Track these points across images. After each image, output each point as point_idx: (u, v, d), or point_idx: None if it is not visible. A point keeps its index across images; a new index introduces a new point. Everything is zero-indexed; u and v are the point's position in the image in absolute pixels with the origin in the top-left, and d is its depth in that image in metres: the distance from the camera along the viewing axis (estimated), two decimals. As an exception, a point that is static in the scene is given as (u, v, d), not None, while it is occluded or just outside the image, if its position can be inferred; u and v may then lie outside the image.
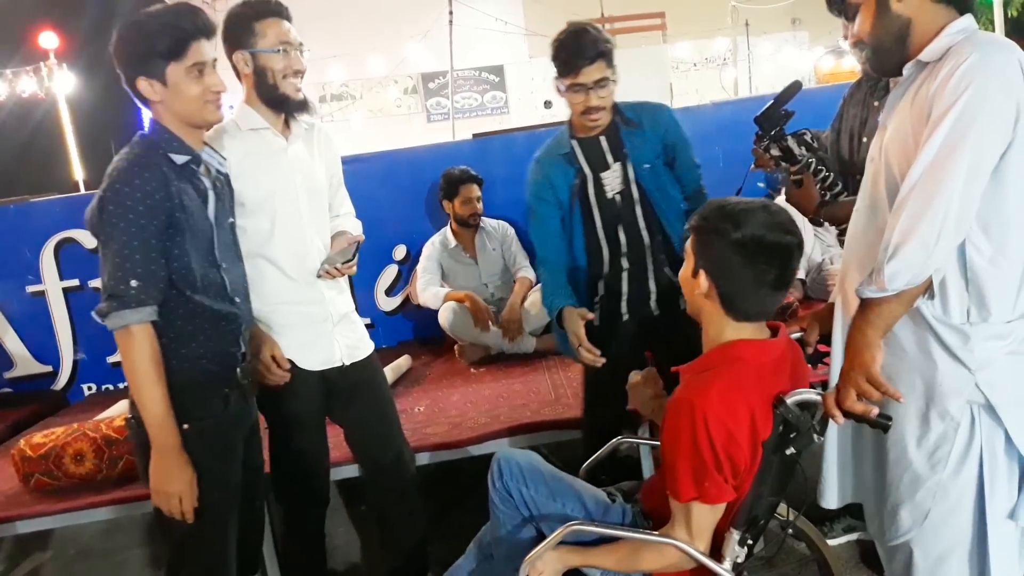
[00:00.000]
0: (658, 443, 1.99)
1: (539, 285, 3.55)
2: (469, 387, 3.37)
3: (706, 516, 1.62)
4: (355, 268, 2.32)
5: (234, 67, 2.21)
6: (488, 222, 3.98)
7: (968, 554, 1.65)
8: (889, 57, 1.67)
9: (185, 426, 1.83)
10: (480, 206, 3.88)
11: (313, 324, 2.29)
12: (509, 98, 14.13)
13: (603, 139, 2.49)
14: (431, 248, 3.95)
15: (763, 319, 1.70)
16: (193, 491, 1.83)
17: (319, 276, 2.28)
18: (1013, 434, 1.58)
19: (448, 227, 3.97)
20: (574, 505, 1.90)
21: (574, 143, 2.51)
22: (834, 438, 1.85)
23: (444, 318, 3.70)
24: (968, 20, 1.61)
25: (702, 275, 1.66)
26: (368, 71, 13.20)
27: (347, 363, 2.34)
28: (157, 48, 1.82)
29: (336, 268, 2.28)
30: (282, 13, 2.18)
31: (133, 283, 1.76)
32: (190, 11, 1.86)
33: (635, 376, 2.08)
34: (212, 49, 1.89)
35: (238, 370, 1.99)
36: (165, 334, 1.83)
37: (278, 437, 2.36)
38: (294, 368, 2.25)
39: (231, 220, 2.04)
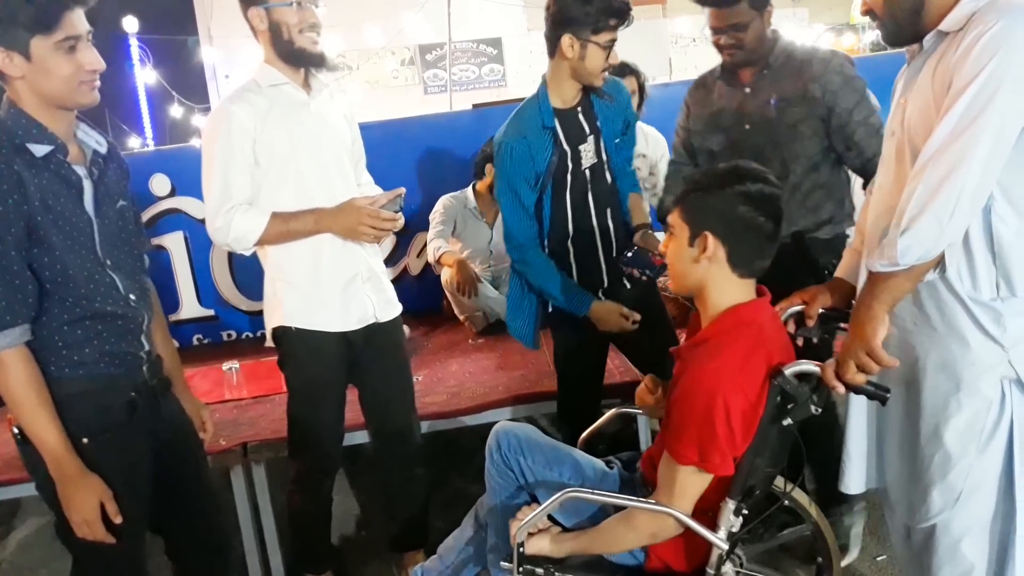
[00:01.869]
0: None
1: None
2: (467, 357, 3.39)
3: (695, 483, 1.65)
4: (402, 221, 2.31)
5: (251, 26, 2.21)
6: None
7: (990, 530, 1.63)
8: (903, 29, 1.62)
9: (85, 440, 1.66)
10: None
11: (344, 282, 2.29)
12: (507, 71, 14.00)
13: (579, 111, 2.43)
14: (449, 201, 3.92)
15: (759, 275, 1.73)
16: (99, 514, 1.65)
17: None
18: None
19: (471, 188, 3.95)
20: (572, 474, 1.92)
21: (555, 117, 2.41)
22: (859, 424, 1.84)
23: (444, 278, 3.76)
24: None
25: (708, 237, 1.67)
26: (365, 42, 13.06)
27: (380, 320, 2.36)
28: (19, 18, 1.54)
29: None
30: None
31: None
32: None
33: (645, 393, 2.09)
34: (85, 20, 1.62)
35: (144, 369, 1.80)
36: (50, 345, 1.64)
37: (298, 401, 2.37)
38: (321, 334, 2.27)
39: (120, 203, 1.77)
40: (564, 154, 2.41)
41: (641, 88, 3.50)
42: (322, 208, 2.22)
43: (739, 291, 1.72)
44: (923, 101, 1.57)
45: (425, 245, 4.02)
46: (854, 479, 1.86)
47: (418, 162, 4.16)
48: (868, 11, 1.66)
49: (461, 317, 3.84)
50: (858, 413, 1.83)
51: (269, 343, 2.40)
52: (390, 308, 2.41)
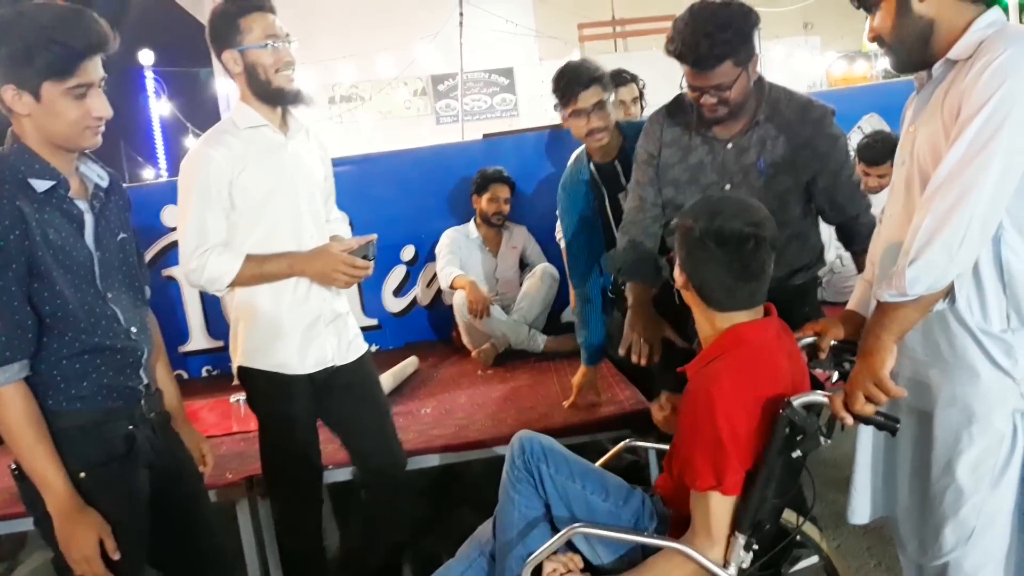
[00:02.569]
0: (665, 447, 1.99)
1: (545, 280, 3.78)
2: (477, 389, 3.36)
3: (725, 508, 1.62)
4: (371, 270, 2.29)
5: (226, 68, 2.21)
6: (511, 224, 4.07)
7: (1004, 567, 1.61)
8: (911, 57, 1.62)
9: (82, 474, 1.64)
10: (507, 208, 3.96)
11: (305, 325, 2.28)
12: (519, 100, 14.10)
13: (617, 164, 2.75)
14: (452, 234, 4.00)
15: (746, 308, 1.71)
16: (98, 551, 1.62)
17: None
18: None
19: (473, 221, 4.03)
20: (595, 487, 1.88)
21: (592, 169, 2.81)
22: (867, 453, 1.81)
23: (456, 302, 3.78)
24: (996, 13, 1.55)
25: (677, 270, 1.72)
26: (377, 72, 13.21)
27: (338, 364, 2.34)
28: (36, 61, 1.54)
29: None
30: (264, 6, 2.16)
31: None
32: (85, 23, 1.59)
33: (656, 410, 2.07)
34: (101, 67, 1.63)
35: (142, 403, 1.78)
36: (48, 379, 1.63)
37: (269, 439, 2.37)
38: (282, 376, 2.27)
39: (121, 236, 1.78)
40: (604, 200, 2.81)
41: (641, 95, 3.58)
42: (296, 252, 2.23)
43: (726, 318, 1.71)
44: (932, 129, 1.55)
45: (435, 276, 4.03)
46: (860, 509, 1.84)
47: (428, 192, 4.18)
48: (876, 37, 1.65)
49: (472, 350, 3.82)
50: (865, 444, 1.81)
51: (235, 382, 2.39)
52: (351, 351, 2.39)
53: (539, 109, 13.55)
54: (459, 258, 3.93)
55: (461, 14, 10.22)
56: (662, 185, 2.41)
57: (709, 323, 1.73)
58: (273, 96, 2.20)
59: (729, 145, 2.27)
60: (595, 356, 2.91)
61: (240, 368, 2.32)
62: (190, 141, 15.25)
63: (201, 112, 14.15)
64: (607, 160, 2.78)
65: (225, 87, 13.35)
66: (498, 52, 13.25)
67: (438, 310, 4.22)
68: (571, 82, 2.62)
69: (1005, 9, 5.49)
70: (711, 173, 2.30)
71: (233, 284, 2.20)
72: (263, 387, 2.30)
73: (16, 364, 1.57)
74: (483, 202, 3.95)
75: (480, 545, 2.01)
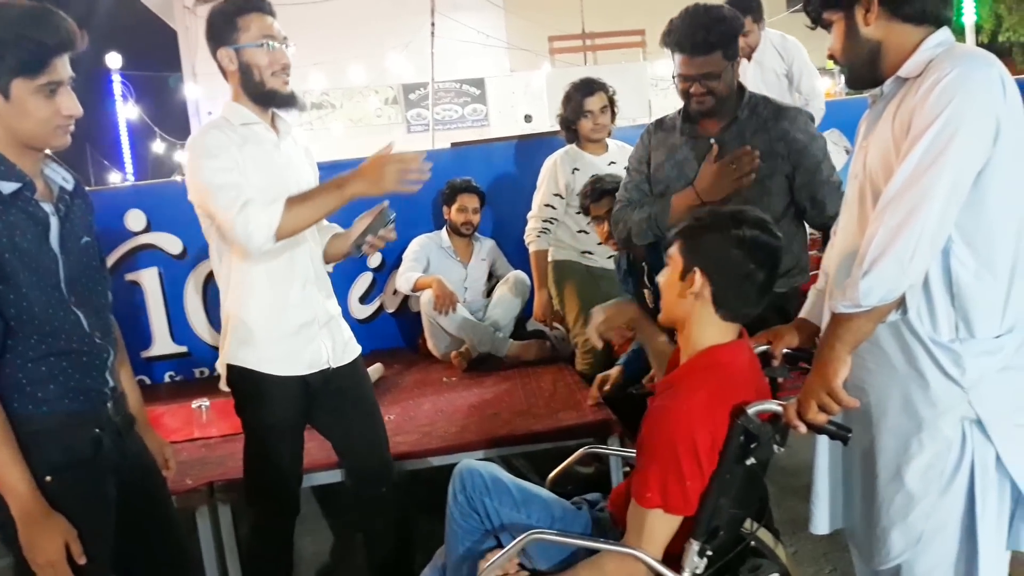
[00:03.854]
0: (629, 452, 2.01)
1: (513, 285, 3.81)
2: (441, 397, 3.36)
3: (663, 526, 1.63)
4: (395, 233, 2.29)
5: (220, 66, 2.20)
6: (481, 237, 4.12)
7: (954, 572, 1.63)
8: (863, 75, 1.70)
9: (48, 478, 1.61)
10: (476, 219, 4.00)
11: (300, 327, 2.25)
12: (490, 111, 14.14)
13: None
14: (423, 240, 4.04)
15: (744, 321, 1.75)
16: (63, 556, 1.59)
17: (361, 252, 2.27)
18: (1002, 451, 1.58)
19: (444, 229, 4.07)
20: (540, 515, 1.89)
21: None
22: (825, 463, 1.84)
23: (423, 300, 3.80)
24: (945, 33, 1.61)
25: (697, 274, 1.70)
26: (349, 80, 13.18)
27: (333, 366, 2.31)
28: (6, 59, 1.53)
29: (378, 237, 2.25)
30: (264, 8, 2.16)
31: None
32: (54, 21, 1.58)
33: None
34: (69, 66, 1.62)
35: (108, 406, 1.76)
36: (13, 382, 1.61)
37: (255, 443, 2.32)
38: (273, 377, 2.22)
39: (85, 240, 1.75)
40: None
41: (611, 102, 3.62)
42: (342, 176, 2.12)
43: (720, 332, 1.73)
44: (883, 145, 1.61)
45: (403, 283, 4.03)
46: (821, 519, 1.86)
47: (394, 199, 4.16)
48: (831, 55, 1.73)
49: (438, 355, 3.83)
50: (823, 453, 1.83)
51: (223, 386, 2.33)
52: (347, 352, 2.37)
53: (510, 119, 13.62)
54: (427, 264, 3.96)
55: (433, 24, 10.23)
56: (653, 185, 2.57)
57: (701, 334, 1.73)
58: (266, 97, 2.19)
59: (712, 141, 2.41)
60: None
61: (229, 367, 2.26)
62: (157, 145, 15.08)
63: (170, 117, 14.03)
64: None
65: (195, 92, 13.23)
66: (469, 63, 13.28)
67: (405, 317, 4.22)
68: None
69: (961, 29, 5.62)
70: (697, 167, 2.43)
71: (283, 231, 2.06)
72: (252, 388, 2.24)
73: None
74: (452, 212, 3.99)
75: (439, 569, 2.03)
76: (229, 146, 2.12)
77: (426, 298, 3.78)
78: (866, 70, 1.67)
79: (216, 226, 2.14)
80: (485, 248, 4.12)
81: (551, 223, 3.62)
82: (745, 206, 1.80)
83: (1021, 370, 1.61)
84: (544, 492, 1.97)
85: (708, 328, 1.73)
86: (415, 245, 3.98)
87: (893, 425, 1.65)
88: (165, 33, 14.37)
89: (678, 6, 2.38)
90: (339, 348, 2.34)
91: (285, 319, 2.23)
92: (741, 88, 2.46)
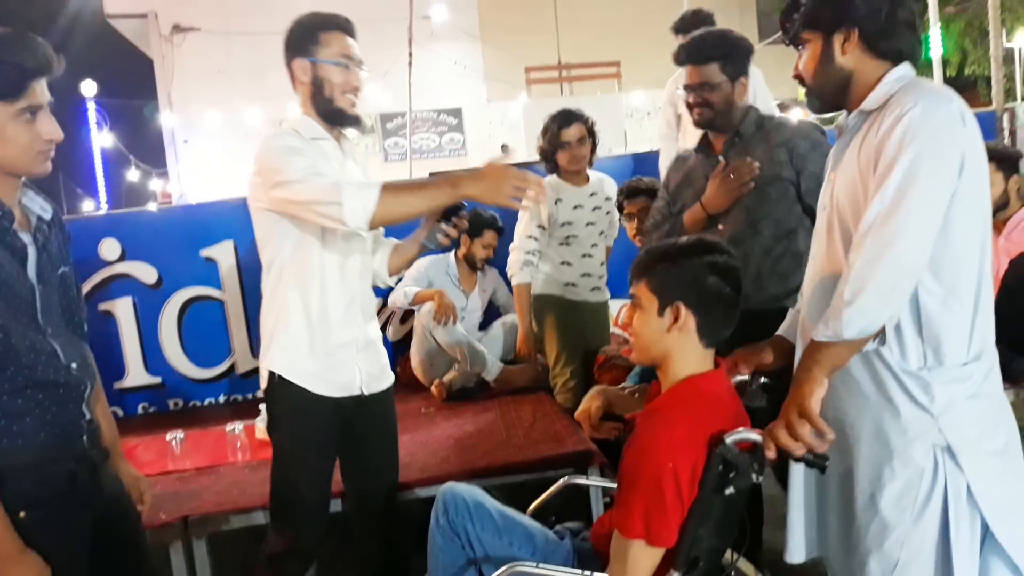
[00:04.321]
0: (610, 484, 2.01)
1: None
2: (420, 427, 3.34)
3: (646, 558, 1.63)
4: (466, 222, 2.34)
5: (291, 75, 2.21)
6: (487, 267, 4.12)
7: None
8: (829, 102, 1.75)
9: (22, 514, 1.56)
10: (492, 255, 4.01)
11: (338, 347, 2.22)
12: (467, 140, 14.21)
13: None
14: (428, 261, 3.96)
15: (721, 346, 1.76)
16: None
17: (437, 244, 2.30)
18: (971, 479, 1.60)
19: (452, 255, 4.03)
20: (522, 543, 1.89)
21: None
22: (800, 492, 1.84)
23: (422, 312, 3.81)
24: (905, 68, 1.68)
25: (679, 307, 1.70)
26: (327, 109, 13.22)
27: (366, 392, 2.27)
28: None
29: (452, 225, 2.27)
30: (348, 29, 2.20)
31: None
32: (31, 45, 1.57)
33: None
34: (47, 90, 1.61)
35: (84, 439, 1.72)
36: None
37: (284, 461, 2.24)
38: (309, 393, 2.18)
39: (62, 270, 1.74)
40: None
41: (591, 133, 3.55)
42: (455, 174, 2.11)
43: (700, 361, 1.74)
44: (849, 177, 1.66)
45: (381, 309, 4.02)
46: (796, 548, 1.86)
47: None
48: (798, 76, 1.77)
49: (424, 379, 3.85)
50: (798, 482, 1.84)
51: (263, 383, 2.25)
52: (380, 380, 2.33)
53: (487, 148, 13.68)
54: (429, 284, 3.94)
55: (410, 54, 10.31)
56: (671, 206, 2.70)
57: (683, 366, 1.73)
58: (333, 115, 2.20)
59: (720, 158, 2.54)
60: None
61: (270, 374, 2.21)
62: (132, 174, 14.97)
63: (144, 145, 13.96)
64: None
65: (171, 120, 13.18)
66: (447, 92, 13.37)
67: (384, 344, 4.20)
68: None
69: (929, 63, 5.74)
70: (705, 181, 2.53)
71: (379, 219, 2.02)
72: (288, 401, 2.18)
73: None
74: (476, 246, 3.95)
75: None
76: (307, 150, 2.13)
77: (425, 309, 3.76)
78: (832, 96, 1.73)
79: (302, 216, 2.09)
80: (488, 278, 4.12)
81: (534, 255, 3.58)
82: (701, 233, 1.82)
83: (989, 397, 1.64)
84: (526, 520, 1.96)
85: (689, 358, 1.73)
86: (420, 266, 3.92)
87: (867, 453, 1.67)
88: (141, 61, 14.34)
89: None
90: (374, 375, 2.31)
91: (326, 336, 2.20)
92: (749, 107, 2.56)
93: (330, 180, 2.03)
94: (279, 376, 2.19)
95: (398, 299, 3.89)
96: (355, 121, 2.24)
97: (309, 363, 2.19)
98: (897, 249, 1.49)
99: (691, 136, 4.53)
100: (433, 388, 3.74)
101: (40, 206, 1.72)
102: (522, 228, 3.60)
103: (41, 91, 1.59)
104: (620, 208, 3.47)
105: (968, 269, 1.60)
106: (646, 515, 1.60)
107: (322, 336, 2.19)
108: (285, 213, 2.12)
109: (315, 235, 2.16)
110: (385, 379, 2.37)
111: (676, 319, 1.70)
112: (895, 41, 1.66)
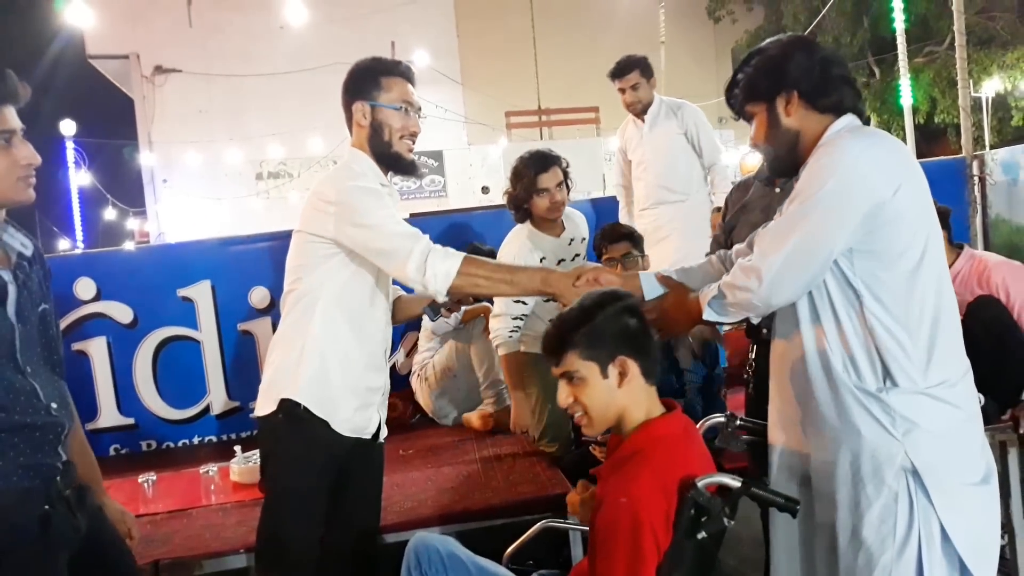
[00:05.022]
0: (586, 528, 1.98)
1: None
2: (395, 469, 3.29)
3: None
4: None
5: (349, 117, 2.23)
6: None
7: None
8: (783, 162, 1.84)
9: None
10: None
11: (367, 391, 2.21)
12: (448, 182, 14.31)
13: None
14: None
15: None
16: None
17: (437, 316, 2.35)
18: (944, 516, 1.61)
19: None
20: None
21: None
22: (781, 533, 1.86)
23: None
24: (848, 119, 1.77)
25: (624, 362, 1.69)
26: (307, 150, 13.26)
27: (378, 439, 2.28)
28: None
29: (456, 302, 2.29)
30: (409, 77, 2.24)
31: None
32: None
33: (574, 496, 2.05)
34: (17, 117, 1.60)
35: (58, 480, 1.66)
36: None
37: (283, 501, 2.15)
38: (328, 429, 2.11)
39: (43, 307, 1.71)
40: None
41: (565, 175, 3.34)
42: (548, 269, 2.20)
43: (649, 402, 1.74)
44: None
45: (415, 344, 4.07)
46: None
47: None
48: (755, 145, 1.88)
49: (442, 417, 3.90)
50: (782, 522, 1.84)
51: (258, 413, 2.19)
52: (383, 431, 2.32)
53: (467, 191, 13.79)
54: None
55: (392, 97, 10.44)
56: (727, 228, 2.83)
57: (638, 414, 1.72)
58: (390, 159, 2.23)
59: (777, 190, 2.58)
60: None
61: (289, 403, 2.10)
62: (109, 213, 14.88)
63: (123, 185, 13.91)
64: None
65: (150, 160, 13.18)
66: (428, 135, 13.41)
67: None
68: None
69: (900, 111, 5.85)
70: (761, 212, 2.59)
71: (456, 286, 2.05)
72: (304, 432, 2.10)
73: None
74: None
75: None
76: (384, 195, 2.15)
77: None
78: (787, 156, 1.82)
79: (374, 261, 2.11)
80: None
81: (521, 319, 3.30)
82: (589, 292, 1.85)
83: (961, 428, 1.67)
84: (501, 570, 1.93)
85: (642, 403, 1.73)
86: None
87: (843, 483, 1.70)
88: (122, 101, 14.37)
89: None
90: (385, 421, 2.32)
91: (361, 377, 2.18)
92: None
93: (412, 233, 2.07)
94: (304, 406, 2.10)
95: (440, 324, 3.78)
96: (411, 168, 2.27)
97: (340, 399, 2.14)
98: (766, 265, 1.65)
99: (641, 184, 4.60)
100: (477, 419, 3.73)
101: (20, 242, 1.70)
102: None
103: (12, 117, 1.58)
104: (599, 251, 3.26)
105: (921, 298, 1.65)
106: (630, 569, 1.57)
107: (357, 376, 2.18)
108: (353, 251, 2.10)
109: (372, 275, 2.18)
110: (384, 430, 2.35)
111: (623, 373, 1.68)
112: (833, 96, 1.76)
